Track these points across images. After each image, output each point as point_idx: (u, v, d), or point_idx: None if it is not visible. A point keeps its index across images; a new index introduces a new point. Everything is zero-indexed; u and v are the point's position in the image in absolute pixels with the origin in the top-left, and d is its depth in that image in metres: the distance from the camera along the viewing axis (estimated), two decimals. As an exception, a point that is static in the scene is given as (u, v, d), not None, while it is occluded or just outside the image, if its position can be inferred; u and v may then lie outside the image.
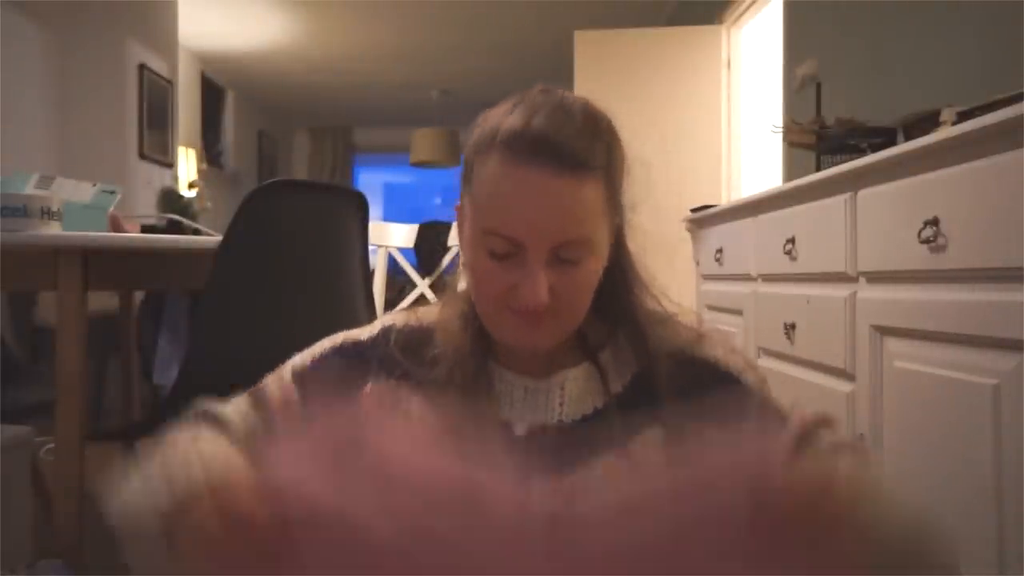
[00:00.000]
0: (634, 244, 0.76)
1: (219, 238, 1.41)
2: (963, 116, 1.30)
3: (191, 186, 5.17)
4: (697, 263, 2.62)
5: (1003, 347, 1.03)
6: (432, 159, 6.27)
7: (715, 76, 3.60)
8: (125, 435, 2.13)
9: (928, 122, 1.50)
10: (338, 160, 7.93)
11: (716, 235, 2.39)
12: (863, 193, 1.41)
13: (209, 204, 4.80)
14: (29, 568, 1.37)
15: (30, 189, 1.71)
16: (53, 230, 1.43)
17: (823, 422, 0.66)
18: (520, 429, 0.71)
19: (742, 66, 3.65)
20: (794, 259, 1.71)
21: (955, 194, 1.13)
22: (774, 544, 0.51)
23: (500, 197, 0.66)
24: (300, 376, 0.74)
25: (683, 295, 1.34)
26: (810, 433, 0.64)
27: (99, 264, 1.42)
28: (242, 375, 0.77)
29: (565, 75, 3.60)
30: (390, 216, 8.17)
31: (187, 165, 5.34)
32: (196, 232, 2.01)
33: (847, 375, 1.45)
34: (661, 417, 0.68)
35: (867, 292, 1.40)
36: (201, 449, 0.58)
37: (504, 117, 0.68)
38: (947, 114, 1.41)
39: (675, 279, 0.94)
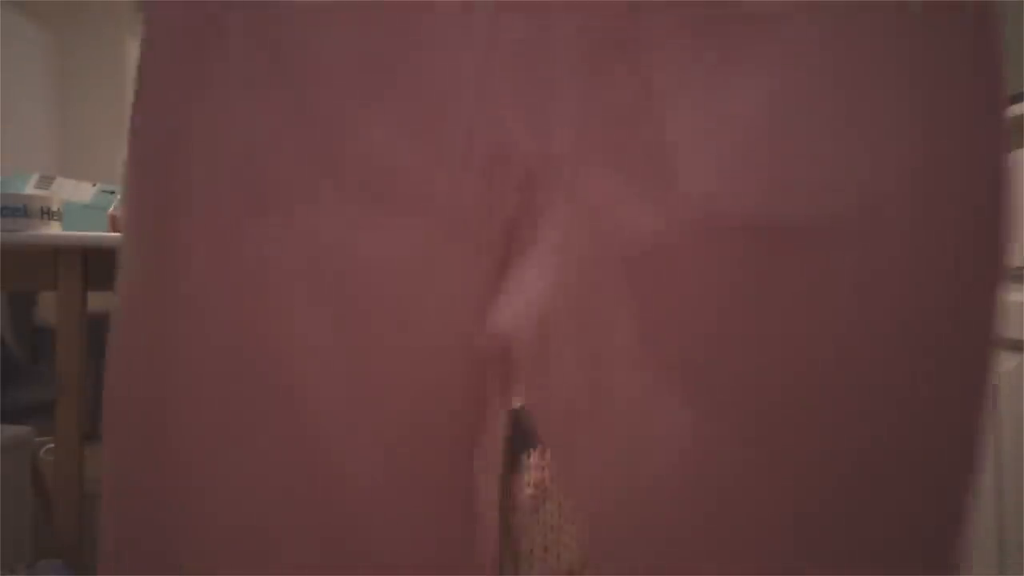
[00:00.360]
0: None
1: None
2: (963, 116, 1.30)
3: (191, 186, 5.16)
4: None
5: (1003, 347, 1.03)
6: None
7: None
8: (125, 435, 2.12)
9: (928, 122, 1.50)
10: (338, 160, 7.91)
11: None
12: (863, 193, 1.41)
13: (209, 204, 4.79)
14: (29, 568, 1.37)
15: (30, 189, 1.71)
16: (53, 230, 1.43)
17: None
18: None
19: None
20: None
21: (955, 194, 1.13)
22: None
23: None
24: None
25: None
26: None
27: (99, 264, 1.42)
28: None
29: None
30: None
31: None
32: (196, 232, 2.00)
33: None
34: None
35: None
36: None
37: None
38: (947, 114, 1.41)
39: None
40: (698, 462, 0.37)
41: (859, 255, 0.35)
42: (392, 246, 0.39)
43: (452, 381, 0.41)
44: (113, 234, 1.64)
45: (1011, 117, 1.05)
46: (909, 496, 0.37)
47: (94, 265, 1.41)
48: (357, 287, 0.39)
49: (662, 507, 0.39)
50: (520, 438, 0.47)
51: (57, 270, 1.37)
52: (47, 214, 1.42)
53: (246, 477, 0.39)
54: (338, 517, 0.40)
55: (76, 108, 3.89)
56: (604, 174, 0.37)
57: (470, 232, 0.39)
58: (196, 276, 0.39)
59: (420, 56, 0.38)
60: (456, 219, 0.38)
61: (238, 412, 0.39)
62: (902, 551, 0.37)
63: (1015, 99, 1.20)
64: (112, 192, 1.76)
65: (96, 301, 1.63)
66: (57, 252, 1.38)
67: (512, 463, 0.47)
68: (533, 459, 0.70)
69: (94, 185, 1.76)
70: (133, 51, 3.40)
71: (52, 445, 1.56)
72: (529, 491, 0.68)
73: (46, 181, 1.75)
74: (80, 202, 1.71)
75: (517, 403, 0.44)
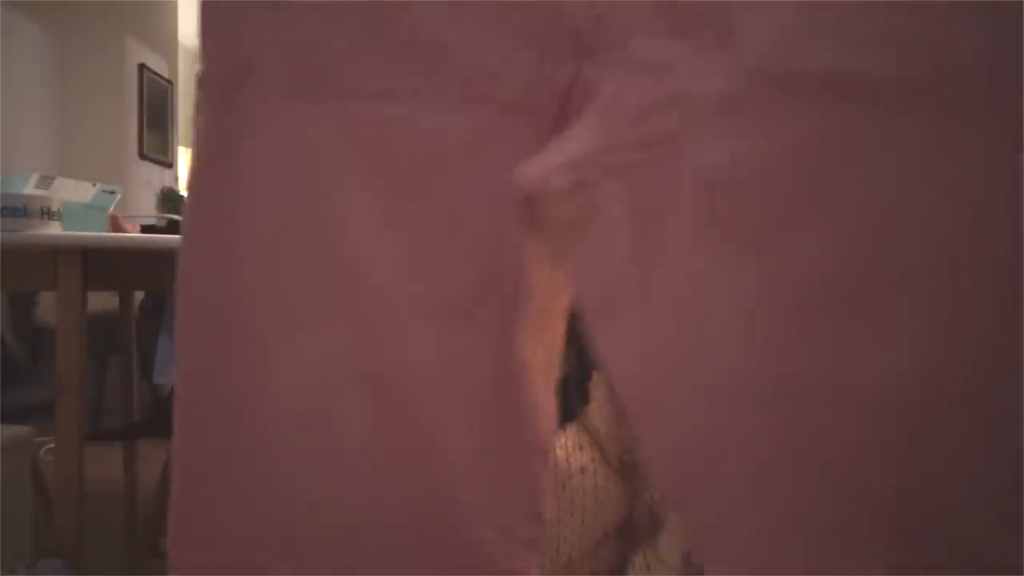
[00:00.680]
0: None
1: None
2: (964, 116, 1.30)
3: (191, 186, 5.17)
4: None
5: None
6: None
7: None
8: (125, 435, 2.12)
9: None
10: (338, 160, 7.92)
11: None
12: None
13: (209, 204, 4.80)
14: (29, 568, 1.37)
15: (30, 189, 1.71)
16: (53, 230, 1.43)
17: None
18: None
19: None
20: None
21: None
22: None
23: None
24: None
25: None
26: None
27: (99, 264, 1.42)
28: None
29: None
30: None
31: (187, 165, 5.34)
32: (196, 232, 2.00)
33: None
34: None
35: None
36: None
37: None
38: (948, 114, 1.41)
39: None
40: (758, 339, 0.35)
41: (934, 122, 0.33)
42: (444, 122, 0.39)
43: (505, 253, 0.40)
44: (113, 234, 1.64)
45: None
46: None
47: (94, 265, 1.41)
48: (409, 164, 0.39)
49: (718, 390, 0.36)
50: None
51: (57, 270, 1.37)
52: (47, 214, 1.42)
53: (308, 358, 0.40)
54: (395, 391, 0.41)
55: (76, 108, 3.89)
56: (658, 35, 0.35)
57: (523, 105, 0.38)
58: (252, 164, 0.41)
59: None
60: (509, 93, 0.38)
61: (298, 294, 0.40)
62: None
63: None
64: (112, 192, 1.76)
65: (96, 301, 1.63)
66: (57, 252, 1.38)
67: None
68: None
69: (94, 185, 1.76)
70: (133, 51, 3.40)
71: (52, 445, 1.56)
72: None
73: (46, 181, 1.75)
74: (80, 202, 1.71)
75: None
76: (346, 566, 0.42)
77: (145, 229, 1.94)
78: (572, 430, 0.73)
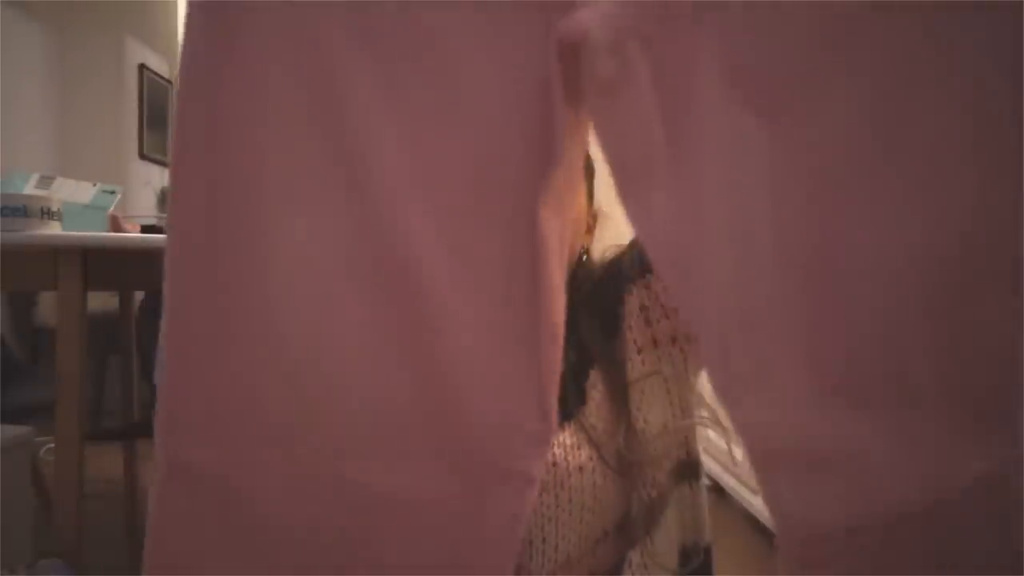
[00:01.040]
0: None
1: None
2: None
3: (191, 186, 5.16)
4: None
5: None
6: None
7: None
8: (125, 435, 2.12)
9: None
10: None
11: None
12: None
13: (209, 204, 4.80)
14: (29, 568, 1.37)
15: (30, 189, 1.71)
16: (53, 230, 1.43)
17: None
18: None
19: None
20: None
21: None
22: None
23: None
24: None
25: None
26: None
27: (99, 264, 1.42)
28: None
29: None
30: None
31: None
32: (196, 232, 2.00)
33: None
34: None
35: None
36: None
37: None
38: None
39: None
40: (783, 201, 0.35)
41: None
42: (450, 13, 0.39)
43: (525, 130, 0.40)
44: (113, 234, 1.64)
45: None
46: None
47: (94, 265, 1.41)
48: (417, 48, 0.39)
49: (749, 250, 0.36)
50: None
51: (57, 270, 1.37)
52: (47, 214, 1.42)
53: (309, 240, 0.40)
54: (397, 275, 0.40)
55: (76, 108, 3.89)
56: None
57: None
58: (254, 41, 0.40)
59: None
60: None
61: (301, 175, 0.40)
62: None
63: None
64: (112, 192, 1.76)
65: (96, 301, 1.63)
66: (57, 252, 1.38)
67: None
68: None
69: (94, 185, 1.77)
70: (133, 51, 3.38)
71: (52, 445, 1.56)
72: None
73: (46, 181, 1.76)
74: (80, 202, 1.71)
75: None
76: (340, 452, 0.41)
77: (145, 229, 1.94)
78: (570, 429, 0.73)
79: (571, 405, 0.74)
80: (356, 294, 0.40)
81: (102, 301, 2.21)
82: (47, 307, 2.81)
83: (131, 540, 1.86)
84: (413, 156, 0.40)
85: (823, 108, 0.34)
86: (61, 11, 3.81)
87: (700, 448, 0.78)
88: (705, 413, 0.77)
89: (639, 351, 0.75)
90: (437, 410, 0.42)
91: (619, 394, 0.75)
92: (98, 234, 1.57)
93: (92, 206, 1.72)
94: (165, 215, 2.05)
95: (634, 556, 0.74)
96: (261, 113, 0.41)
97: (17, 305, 2.94)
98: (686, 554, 0.76)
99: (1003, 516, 0.31)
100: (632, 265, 0.76)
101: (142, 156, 4.27)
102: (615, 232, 0.76)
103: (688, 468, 0.77)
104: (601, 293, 0.78)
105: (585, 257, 0.82)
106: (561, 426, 0.72)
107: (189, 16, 0.42)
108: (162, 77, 4.47)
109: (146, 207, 4.16)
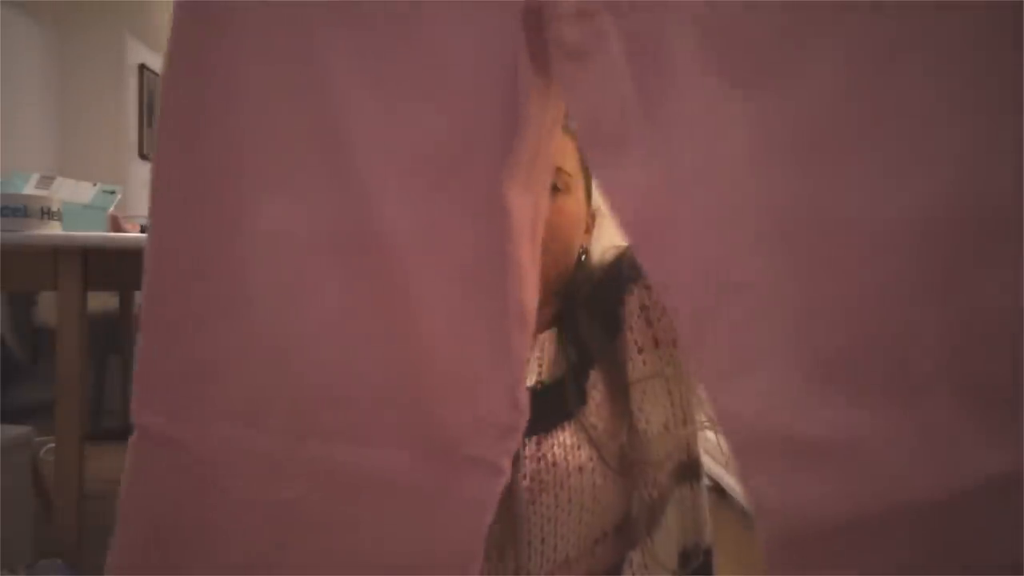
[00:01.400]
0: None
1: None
2: (963, 116, 1.30)
3: (191, 186, 5.16)
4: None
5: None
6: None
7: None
8: (125, 435, 2.12)
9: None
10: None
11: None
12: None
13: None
14: (29, 568, 1.37)
15: (30, 189, 1.71)
16: (53, 230, 1.43)
17: None
18: None
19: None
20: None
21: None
22: None
23: None
24: None
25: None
26: None
27: (99, 264, 1.42)
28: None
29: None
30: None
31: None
32: (196, 232, 2.00)
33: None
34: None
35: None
36: None
37: None
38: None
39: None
40: (760, 172, 0.34)
41: None
42: None
43: (495, 102, 0.39)
44: (113, 234, 1.64)
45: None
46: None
47: (94, 265, 1.41)
48: (392, 22, 0.39)
49: (726, 223, 0.35)
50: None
51: (57, 270, 1.37)
52: (47, 214, 1.42)
53: (284, 218, 0.39)
54: (370, 257, 0.40)
55: (76, 108, 3.89)
56: None
57: None
58: (237, 23, 0.40)
59: None
60: None
61: (279, 152, 0.40)
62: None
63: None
64: (112, 192, 1.76)
65: (96, 301, 1.63)
66: (57, 252, 1.38)
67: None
68: (529, 450, 0.70)
69: (94, 185, 1.77)
70: (133, 51, 3.39)
71: (52, 445, 1.56)
72: (525, 483, 0.68)
73: (46, 181, 1.76)
74: (80, 202, 1.71)
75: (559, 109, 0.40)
76: (308, 433, 0.41)
77: (145, 229, 1.94)
78: (570, 429, 0.73)
79: (571, 405, 0.74)
80: (330, 274, 0.40)
81: (102, 301, 2.21)
82: (47, 307, 2.81)
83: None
84: (388, 133, 0.39)
85: (803, 77, 0.33)
86: (61, 11, 3.81)
87: (701, 449, 0.78)
88: (706, 417, 0.77)
89: (640, 351, 0.75)
90: (406, 395, 0.41)
91: (620, 394, 0.75)
92: (98, 234, 1.57)
93: (92, 206, 1.72)
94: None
95: (635, 556, 0.74)
96: (242, 96, 0.41)
97: (17, 305, 2.94)
98: (686, 555, 0.76)
99: (1016, 520, 0.29)
100: (632, 265, 0.76)
101: (142, 156, 4.26)
102: (615, 232, 0.76)
103: (689, 469, 0.77)
104: (601, 294, 0.78)
105: (584, 257, 0.82)
106: (561, 426, 0.72)
107: (175, 13, 0.42)
108: (162, 77, 4.47)
109: (146, 207, 4.15)
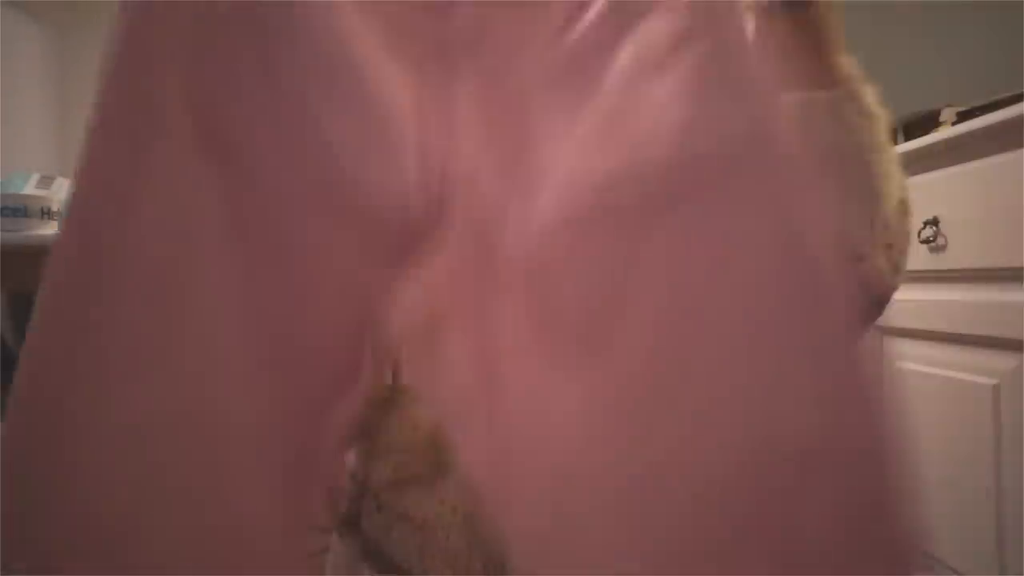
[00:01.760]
0: None
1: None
2: (963, 116, 1.31)
3: (191, 186, 5.17)
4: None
5: (1003, 347, 1.03)
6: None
7: (715, 76, 3.60)
8: (125, 435, 2.12)
9: (928, 122, 1.50)
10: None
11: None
12: (863, 193, 1.41)
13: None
14: (29, 568, 1.36)
15: (30, 189, 1.71)
16: (53, 230, 1.43)
17: None
18: None
19: (742, 66, 3.64)
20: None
21: (955, 194, 1.13)
22: None
23: None
24: None
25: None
26: None
27: (99, 264, 1.42)
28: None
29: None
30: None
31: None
32: (196, 232, 2.00)
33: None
34: None
35: (867, 292, 1.40)
36: None
37: None
38: (947, 114, 1.41)
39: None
40: (594, 433, 0.37)
41: (717, 213, 0.36)
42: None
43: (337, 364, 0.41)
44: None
45: (1011, 117, 1.05)
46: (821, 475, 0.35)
47: (94, 265, 1.41)
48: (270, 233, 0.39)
49: (568, 490, 0.38)
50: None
51: (57, 270, 1.37)
52: (47, 214, 1.42)
53: (139, 402, 0.38)
54: (205, 446, 0.39)
55: (76, 108, 3.89)
56: (493, 181, 0.38)
57: (383, 231, 0.39)
58: (145, 205, 0.39)
59: None
60: (373, 218, 0.39)
61: (146, 335, 0.38)
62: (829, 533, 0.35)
63: (1015, 99, 1.20)
64: (112, 192, 1.76)
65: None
66: (57, 252, 1.38)
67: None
68: None
69: (94, 185, 1.76)
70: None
71: (52, 445, 1.56)
72: None
73: (46, 181, 1.76)
74: (80, 202, 1.71)
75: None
76: None
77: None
78: None
79: None
80: (170, 458, 0.39)
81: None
82: (47, 307, 2.81)
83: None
84: (255, 332, 0.39)
85: (617, 342, 0.36)
86: (61, 11, 3.81)
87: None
88: None
89: None
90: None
91: None
92: (98, 234, 1.56)
93: (92, 206, 1.72)
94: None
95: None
96: (145, 108, 0.41)
97: (17, 305, 2.94)
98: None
99: None
100: None
101: (142, 156, 4.27)
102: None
103: None
104: None
105: None
106: None
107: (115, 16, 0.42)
108: (162, 77, 4.47)
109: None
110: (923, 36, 2.04)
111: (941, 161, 1.16)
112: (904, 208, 0.53)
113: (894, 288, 0.53)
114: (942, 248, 1.15)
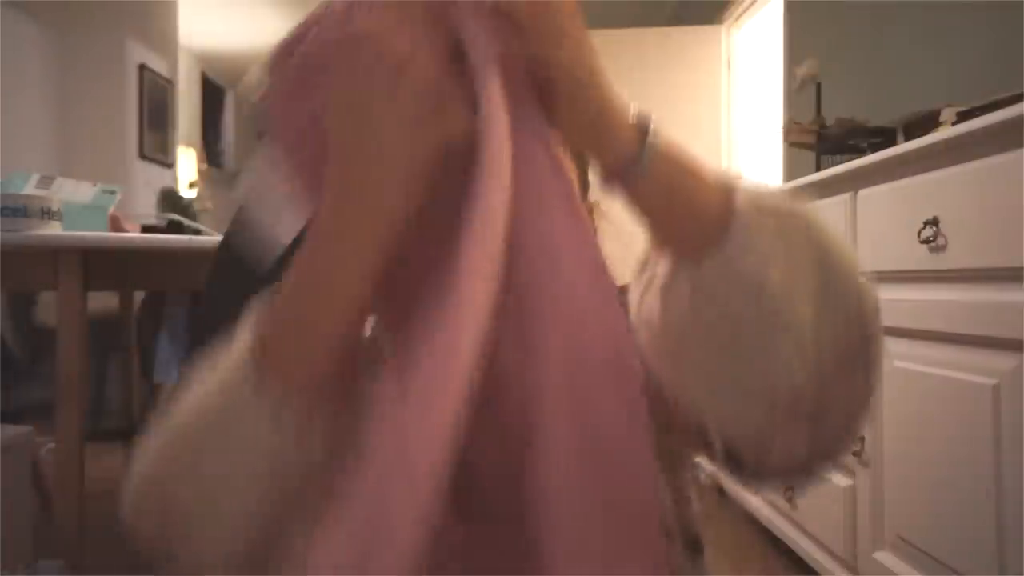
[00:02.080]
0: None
1: (219, 238, 1.41)
2: (963, 116, 1.31)
3: (191, 186, 5.16)
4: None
5: (1003, 347, 1.03)
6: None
7: (715, 76, 3.60)
8: (125, 435, 2.13)
9: (928, 122, 1.50)
10: (338, 160, 7.89)
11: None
12: (863, 193, 1.41)
13: (209, 204, 4.80)
14: (29, 568, 1.37)
15: (30, 189, 1.71)
16: (53, 230, 1.43)
17: None
18: None
19: (742, 66, 3.65)
20: (794, 259, 1.71)
21: (955, 194, 1.13)
22: None
23: None
24: None
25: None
26: None
27: (99, 264, 1.42)
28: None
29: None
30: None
31: (187, 165, 5.34)
32: (196, 232, 2.00)
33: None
34: None
35: (867, 292, 1.40)
36: None
37: None
38: (947, 114, 1.41)
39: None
40: None
41: None
42: None
43: None
44: (113, 234, 1.64)
45: (1011, 117, 1.04)
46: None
47: (94, 265, 1.41)
48: None
49: None
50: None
51: (57, 270, 1.37)
52: (47, 214, 1.42)
53: None
54: None
55: (76, 108, 3.89)
56: None
57: None
58: None
59: None
60: None
61: None
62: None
63: (1015, 99, 1.20)
64: (112, 192, 1.76)
65: (96, 301, 1.63)
66: (57, 252, 1.38)
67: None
68: None
69: (94, 185, 1.76)
70: (133, 51, 3.38)
71: (52, 445, 1.56)
72: None
73: (46, 181, 1.75)
74: (80, 202, 1.71)
75: None
76: None
77: (145, 229, 1.93)
78: None
79: None
80: None
81: (102, 301, 2.21)
82: (47, 307, 2.81)
83: (131, 540, 1.86)
84: None
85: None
86: (61, 11, 3.81)
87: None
88: None
89: None
90: None
91: None
92: (98, 234, 1.56)
93: (92, 206, 1.72)
94: (165, 215, 2.02)
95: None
96: None
97: (17, 305, 2.94)
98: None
99: None
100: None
101: (142, 156, 4.26)
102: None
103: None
104: None
105: None
106: None
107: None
108: (162, 77, 4.47)
109: (146, 207, 4.16)
110: (923, 36, 2.04)
111: (941, 161, 1.16)
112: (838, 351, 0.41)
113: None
114: (942, 248, 1.15)
